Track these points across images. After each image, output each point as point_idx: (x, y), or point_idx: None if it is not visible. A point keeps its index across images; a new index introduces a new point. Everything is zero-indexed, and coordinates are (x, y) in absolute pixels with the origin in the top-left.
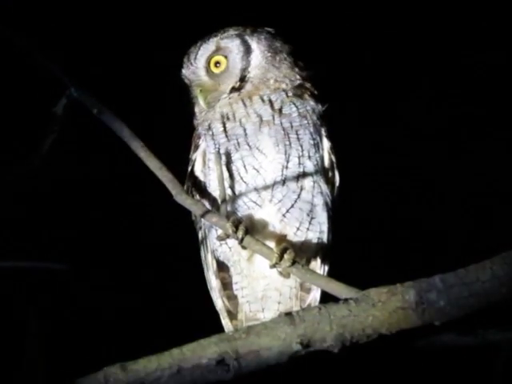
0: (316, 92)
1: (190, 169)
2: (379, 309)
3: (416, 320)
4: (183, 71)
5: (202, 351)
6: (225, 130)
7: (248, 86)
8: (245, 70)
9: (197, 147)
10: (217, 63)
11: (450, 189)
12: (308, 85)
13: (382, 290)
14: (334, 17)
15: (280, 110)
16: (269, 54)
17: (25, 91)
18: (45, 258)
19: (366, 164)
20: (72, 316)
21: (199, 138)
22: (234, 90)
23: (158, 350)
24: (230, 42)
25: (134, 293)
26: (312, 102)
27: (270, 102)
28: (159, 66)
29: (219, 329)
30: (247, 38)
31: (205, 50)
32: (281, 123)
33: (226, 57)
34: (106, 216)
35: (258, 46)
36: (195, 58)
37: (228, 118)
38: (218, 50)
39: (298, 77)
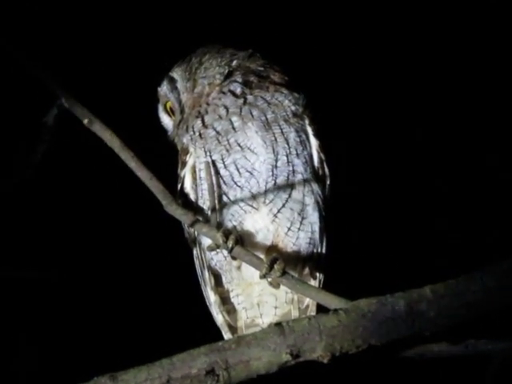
0: (273, 75)
1: (179, 186)
2: (369, 319)
3: (406, 330)
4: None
5: (192, 361)
6: (214, 130)
7: (186, 111)
8: (178, 98)
9: (184, 164)
10: (170, 108)
11: (441, 198)
12: (240, 72)
13: (371, 300)
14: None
15: (245, 100)
16: (187, 73)
17: (14, 101)
18: (35, 266)
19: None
20: (62, 325)
21: (186, 153)
22: (178, 123)
23: (148, 359)
24: (164, 86)
25: (125, 303)
26: (285, 92)
27: (231, 91)
28: (150, 74)
29: (210, 339)
30: (170, 73)
31: (159, 103)
32: (250, 112)
33: (169, 99)
34: (96, 225)
35: (178, 74)
36: (159, 113)
37: (207, 112)
38: (162, 99)
39: (226, 68)
